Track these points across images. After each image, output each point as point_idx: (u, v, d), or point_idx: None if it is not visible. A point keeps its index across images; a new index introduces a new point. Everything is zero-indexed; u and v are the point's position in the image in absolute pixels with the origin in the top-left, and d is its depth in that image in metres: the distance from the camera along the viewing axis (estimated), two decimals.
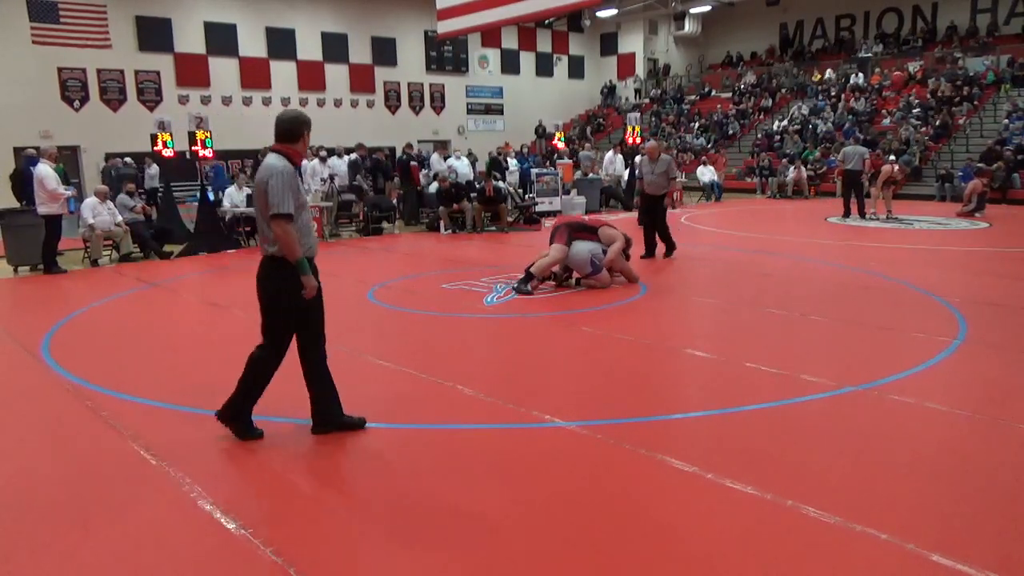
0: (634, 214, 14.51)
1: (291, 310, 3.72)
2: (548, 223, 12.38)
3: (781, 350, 5.44)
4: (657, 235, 9.80)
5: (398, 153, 16.24)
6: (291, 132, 3.70)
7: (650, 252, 9.78)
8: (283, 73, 23.45)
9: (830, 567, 2.62)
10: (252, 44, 22.75)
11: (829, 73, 25.86)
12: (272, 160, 3.65)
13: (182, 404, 4.50)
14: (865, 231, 12.61)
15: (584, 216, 8.55)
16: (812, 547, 2.75)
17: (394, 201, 15.02)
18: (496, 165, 17.12)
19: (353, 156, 15.23)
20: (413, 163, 15.12)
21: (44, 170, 9.57)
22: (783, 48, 29.99)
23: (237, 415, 3.84)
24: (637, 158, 16.80)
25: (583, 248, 7.75)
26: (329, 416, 3.92)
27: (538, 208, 15.13)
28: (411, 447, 3.85)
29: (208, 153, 11.85)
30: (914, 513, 2.98)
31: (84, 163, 19.48)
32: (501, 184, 14.62)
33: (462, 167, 15.77)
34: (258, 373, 3.81)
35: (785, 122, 24.57)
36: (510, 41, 29.26)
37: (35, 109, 18.66)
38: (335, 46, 24.47)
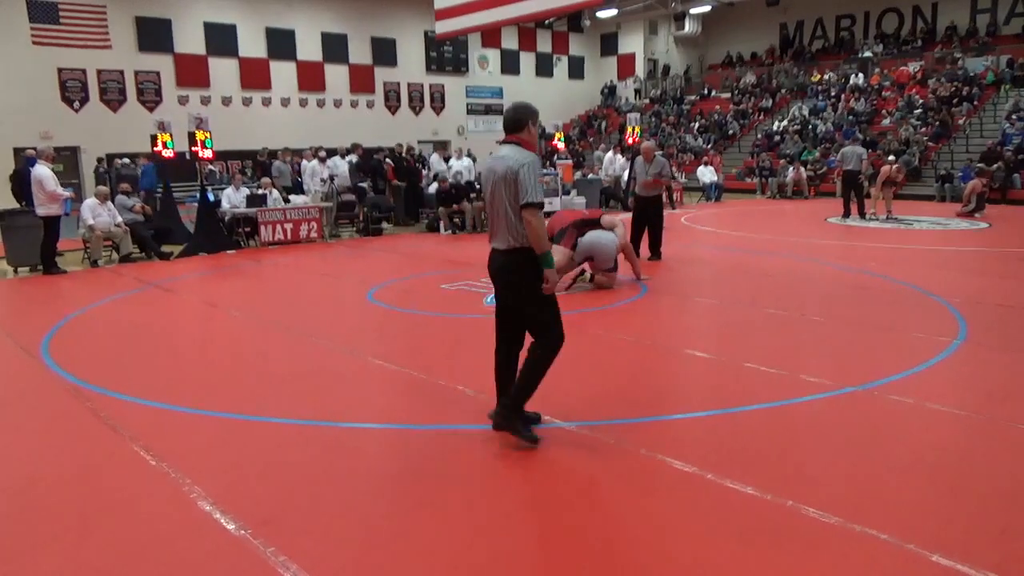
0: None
1: (546, 297, 3.64)
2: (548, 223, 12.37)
3: (781, 350, 5.44)
4: (648, 237, 9.52)
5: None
6: (519, 122, 3.71)
7: (655, 255, 9.58)
8: (283, 73, 23.46)
9: (830, 567, 2.62)
10: (252, 44, 22.76)
11: (832, 83, 25.84)
12: (510, 151, 3.63)
13: (182, 404, 4.50)
14: (865, 231, 12.62)
15: (583, 211, 8.46)
16: (812, 547, 2.75)
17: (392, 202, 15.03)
18: None
19: (352, 157, 15.22)
20: (387, 162, 15.09)
21: (42, 171, 9.56)
22: (783, 48, 30.00)
23: (518, 416, 3.74)
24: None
25: (607, 239, 7.59)
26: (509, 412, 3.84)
27: None
28: (411, 447, 3.84)
29: (208, 154, 11.84)
30: (914, 513, 2.98)
31: (84, 164, 19.48)
32: None
33: (463, 167, 15.78)
34: (540, 373, 3.70)
35: (785, 122, 24.57)
36: (510, 41, 29.28)
37: (35, 110, 18.68)
38: (335, 46, 24.48)
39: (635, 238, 9.27)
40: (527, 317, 3.72)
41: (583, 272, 7.92)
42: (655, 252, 9.59)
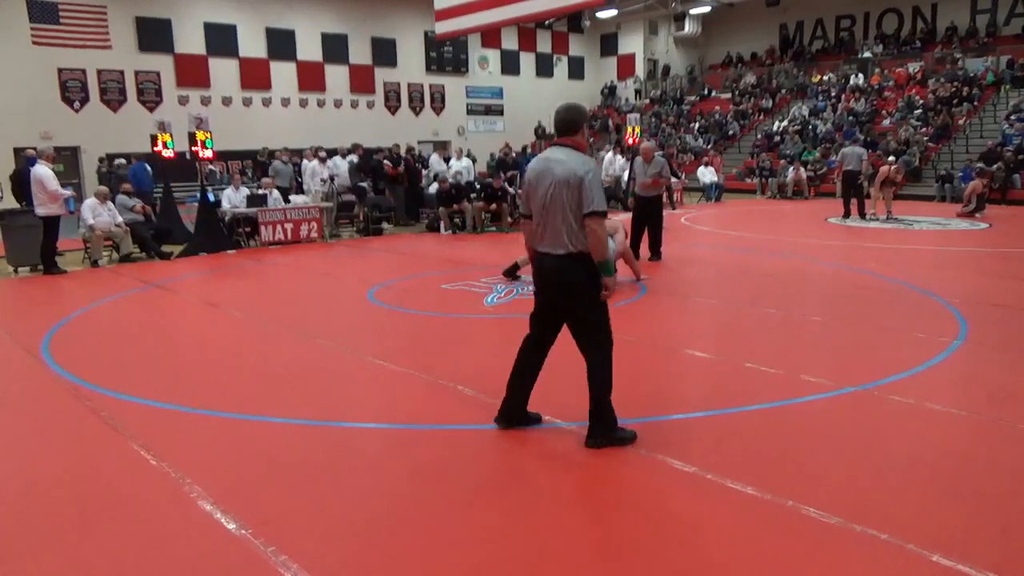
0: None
1: (600, 302, 3.64)
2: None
3: (781, 350, 5.44)
4: (648, 237, 9.51)
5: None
6: (574, 124, 3.68)
7: (656, 255, 9.56)
8: (283, 74, 23.47)
9: (830, 567, 2.62)
10: (252, 45, 22.76)
11: (831, 84, 25.84)
12: (566, 155, 3.59)
13: (182, 404, 4.50)
14: (865, 232, 12.62)
15: None
16: (812, 547, 2.75)
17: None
18: (502, 165, 17.13)
19: (353, 157, 15.21)
20: (386, 163, 15.10)
21: (42, 171, 9.56)
22: (783, 49, 30.00)
23: (607, 422, 3.70)
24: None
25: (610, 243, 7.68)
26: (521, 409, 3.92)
27: None
28: (411, 447, 3.84)
29: (208, 154, 11.85)
30: (914, 513, 2.98)
31: (84, 164, 19.48)
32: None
33: (462, 167, 15.79)
34: (608, 374, 3.69)
35: (785, 123, 24.58)
36: (510, 42, 29.27)
37: (35, 110, 18.67)
38: (335, 47, 24.48)
39: (635, 238, 9.25)
40: (579, 321, 3.68)
41: None
42: (655, 252, 9.57)
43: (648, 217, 9.49)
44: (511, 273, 8.21)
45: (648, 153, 9.61)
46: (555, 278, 3.65)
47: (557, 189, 3.53)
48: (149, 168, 13.67)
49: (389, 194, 14.92)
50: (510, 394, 3.91)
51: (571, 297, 3.64)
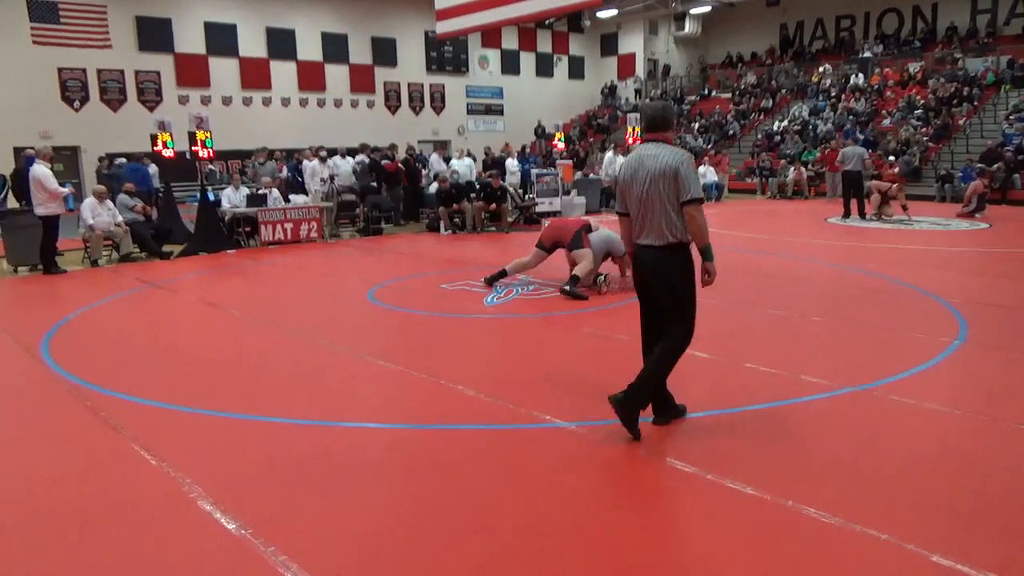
0: None
1: (693, 292, 3.78)
2: (548, 223, 12.36)
3: (781, 350, 5.44)
4: None
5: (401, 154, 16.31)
6: (667, 121, 3.83)
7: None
8: (283, 73, 23.48)
9: (830, 567, 2.62)
10: (252, 44, 22.77)
11: (827, 74, 25.85)
12: (659, 149, 3.70)
13: (182, 404, 4.50)
14: (865, 232, 12.62)
15: (584, 217, 8.43)
16: (812, 547, 2.75)
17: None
18: (498, 165, 17.16)
19: (362, 157, 15.18)
20: (386, 161, 15.12)
21: (41, 170, 9.56)
22: (783, 48, 30.00)
23: (640, 399, 3.78)
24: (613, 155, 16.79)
25: (612, 233, 7.66)
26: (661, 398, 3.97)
27: (538, 208, 15.14)
28: (411, 447, 3.85)
29: (208, 153, 11.84)
30: (914, 513, 2.98)
31: (84, 163, 19.49)
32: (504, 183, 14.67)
33: (462, 167, 15.80)
34: (672, 360, 3.81)
35: (785, 122, 24.58)
36: (510, 41, 29.28)
37: (35, 109, 18.68)
38: (335, 46, 24.49)
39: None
40: (670, 307, 3.78)
41: (601, 275, 7.84)
42: None
43: None
44: (493, 280, 7.96)
45: (624, 148, 9.67)
46: (657, 268, 3.75)
47: (653, 182, 3.66)
48: (151, 168, 13.68)
49: (387, 194, 14.94)
50: (655, 392, 3.94)
51: (671, 286, 3.74)
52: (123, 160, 16.21)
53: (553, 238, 7.91)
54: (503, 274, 7.96)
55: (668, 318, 3.79)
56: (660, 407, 3.94)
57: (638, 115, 18.44)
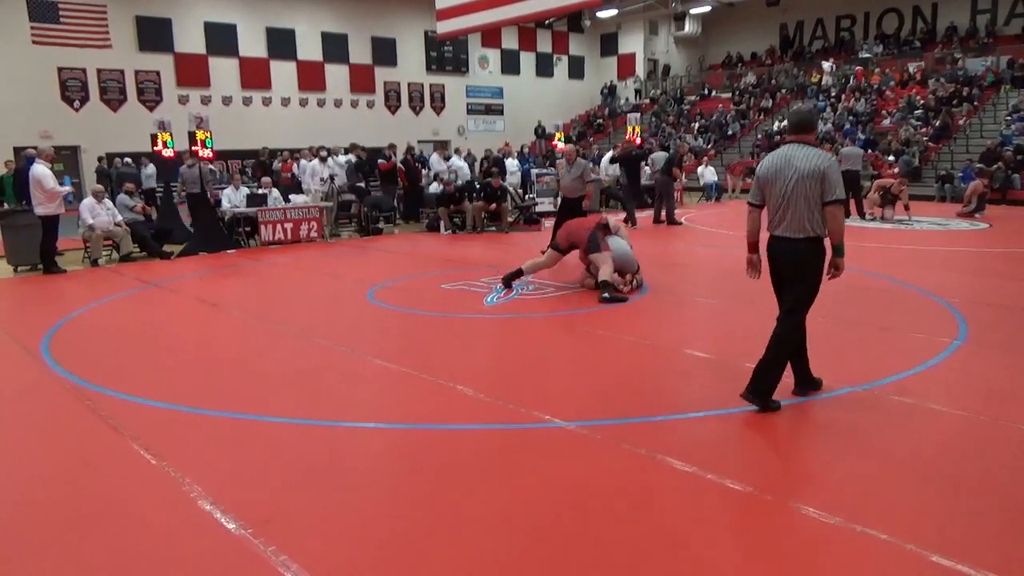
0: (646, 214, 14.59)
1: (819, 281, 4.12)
2: (548, 223, 12.36)
3: None
4: None
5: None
6: (811, 124, 4.25)
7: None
8: (283, 73, 23.48)
9: (830, 567, 2.62)
10: (252, 44, 22.77)
11: (827, 73, 25.86)
12: (806, 151, 4.00)
13: (182, 404, 4.50)
14: (865, 232, 12.61)
15: (606, 217, 8.20)
16: (812, 547, 2.75)
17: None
18: (497, 164, 17.17)
19: (352, 157, 15.20)
20: (381, 160, 15.13)
21: (41, 170, 9.56)
22: (783, 48, 30.01)
23: (769, 385, 4.08)
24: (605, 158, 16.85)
25: (626, 247, 7.67)
26: (805, 375, 4.32)
27: (538, 208, 15.14)
28: (411, 447, 3.85)
29: (208, 153, 11.84)
30: (914, 513, 2.98)
31: (84, 163, 19.49)
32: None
33: (461, 166, 15.80)
34: (792, 343, 4.11)
35: (785, 122, 24.57)
36: (510, 41, 29.29)
37: (35, 109, 18.69)
38: (335, 46, 24.49)
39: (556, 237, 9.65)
40: (800, 294, 4.07)
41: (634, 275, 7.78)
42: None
43: (571, 214, 9.58)
44: (511, 280, 7.85)
45: (571, 155, 9.73)
46: (794, 258, 4.06)
47: (801, 181, 3.96)
48: (149, 168, 13.64)
49: (383, 193, 14.96)
50: (795, 368, 4.27)
51: (804, 274, 4.05)
52: (128, 160, 16.21)
53: (569, 239, 7.76)
54: (519, 273, 7.85)
55: (791, 303, 4.09)
56: (802, 383, 4.29)
57: (637, 115, 18.43)
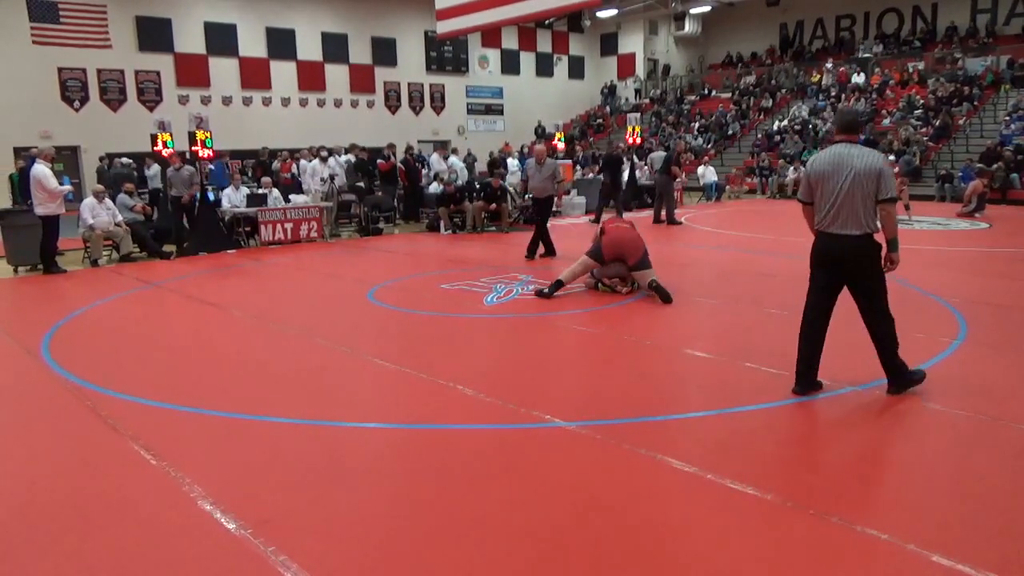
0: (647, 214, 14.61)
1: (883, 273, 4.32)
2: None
3: (781, 350, 5.43)
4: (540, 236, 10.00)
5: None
6: (859, 124, 4.55)
7: (531, 254, 9.97)
8: (283, 73, 23.45)
9: (830, 567, 2.62)
10: (252, 44, 22.75)
11: (826, 74, 25.86)
12: (858, 150, 4.17)
13: (182, 404, 4.50)
14: None
15: (625, 226, 7.93)
16: (812, 547, 2.75)
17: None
18: (496, 164, 17.17)
19: (350, 157, 15.19)
20: (380, 160, 15.13)
21: (41, 170, 9.56)
22: (783, 48, 30.00)
23: (904, 376, 4.32)
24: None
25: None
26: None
27: None
28: (411, 447, 3.85)
29: (208, 153, 11.83)
30: (914, 513, 2.98)
31: (84, 163, 19.48)
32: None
33: (458, 166, 15.80)
34: (895, 334, 4.33)
35: (785, 122, 24.58)
36: (510, 41, 29.26)
37: (35, 109, 18.67)
38: (335, 46, 24.47)
39: (533, 239, 10.04)
40: (870, 290, 4.29)
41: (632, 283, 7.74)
42: (548, 248, 10.11)
43: (541, 213, 10.02)
44: (553, 291, 7.41)
45: (541, 155, 9.79)
46: (852, 254, 4.22)
47: (856, 179, 4.10)
48: (152, 168, 13.56)
49: (382, 193, 14.95)
50: (806, 363, 4.40)
51: (864, 268, 4.24)
52: (129, 160, 16.18)
53: (618, 251, 7.45)
54: (560, 284, 7.48)
55: (871, 298, 4.29)
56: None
57: (636, 115, 18.39)
